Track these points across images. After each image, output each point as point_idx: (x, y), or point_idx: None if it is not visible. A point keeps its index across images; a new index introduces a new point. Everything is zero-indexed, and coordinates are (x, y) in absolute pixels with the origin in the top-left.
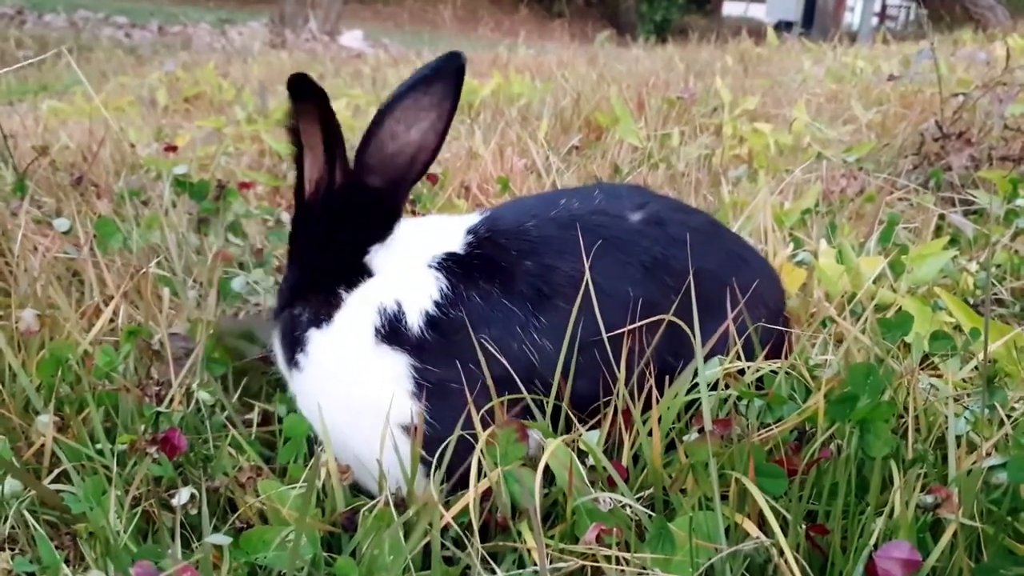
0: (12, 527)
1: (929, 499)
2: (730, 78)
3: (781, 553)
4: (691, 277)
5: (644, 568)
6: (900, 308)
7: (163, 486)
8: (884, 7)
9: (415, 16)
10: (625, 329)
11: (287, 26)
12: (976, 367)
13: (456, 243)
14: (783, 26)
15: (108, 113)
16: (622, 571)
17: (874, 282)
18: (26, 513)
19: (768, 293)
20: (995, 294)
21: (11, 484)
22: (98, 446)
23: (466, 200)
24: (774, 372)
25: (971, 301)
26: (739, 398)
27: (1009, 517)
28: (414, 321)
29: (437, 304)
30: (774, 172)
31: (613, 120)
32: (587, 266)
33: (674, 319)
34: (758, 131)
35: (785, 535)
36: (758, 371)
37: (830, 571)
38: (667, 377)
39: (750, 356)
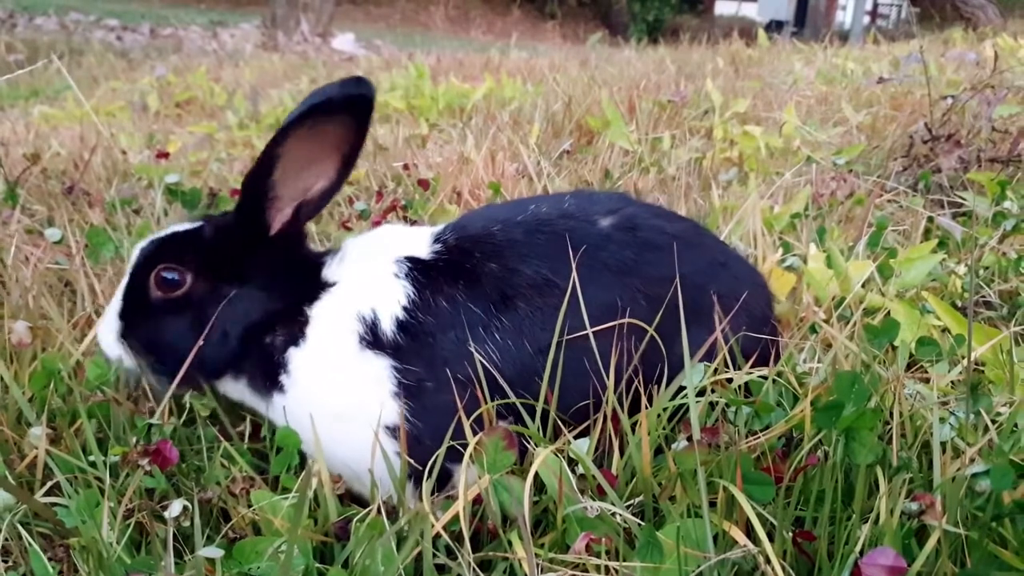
0: (5, 539)
1: (914, 506)
2: (721, 80)
3: (768, 560)
4: (662, 282)
5: None
6: (888, 313)
7: (156, 498)
8: (876, 6)
9: (407, 17)
10: (586, 332)
11: (279, 28)
12: (963, 371)
13: (421, 249)
14: (774, 25)
15: (99, 119)
16: None
17: (863, 286)
18: (19, 526)
19: (751, 300)
20: (983, 296)
21: (3, 497)
22: (91, 458)
23: (458, 205)
24: (762, 379)
25: (959, 304)
26: (727, 405)
27: (993, 523)
28: (388, 326)
29: (405, 309)
30: (764, 175)
31: (604, 124)
32: (550, 269)
33: (638, 323)
34: (748, 134)
35: (772, 542)
36: (744, 377)
37: None
38: (635, 382)
39: (730, 363)
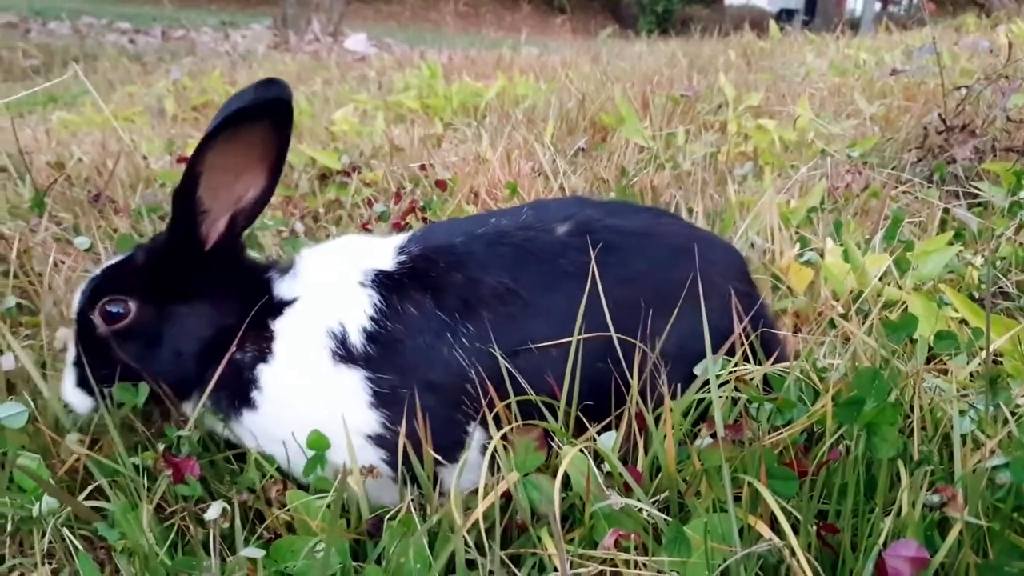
0: (49, 542)
1: (936, 498)
2: (733, 73)
3: (793, 553)
4: (624, 282)
5: (661, 571)
6: (906, 306)
7: (192, 501)
8: None
9: (416, 14)
10: (554, 336)
11: (290, 28)
12: (982, 363)
13: (384, 260)
14: (785, 15)
15: (118, 124)
16: (640, 574)
17: (880, 279)
18: (65, 531)
19: (721, 279)
20: (1000, 287)
21: (48, 502)
22: (135, 460)
23: (475, 205)
24: (782, 374)
25: (976, 295)
26: (748, 401)
27: (1014, 514)
28: (357, 339)
29: (373, 319)
30: (779, 169)
31: (618, 120)
32: (511, 278)
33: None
34: (763, 128)
35: (797, 535)
36: (745, 370)
37: (841, 569)
38: (601, 382)
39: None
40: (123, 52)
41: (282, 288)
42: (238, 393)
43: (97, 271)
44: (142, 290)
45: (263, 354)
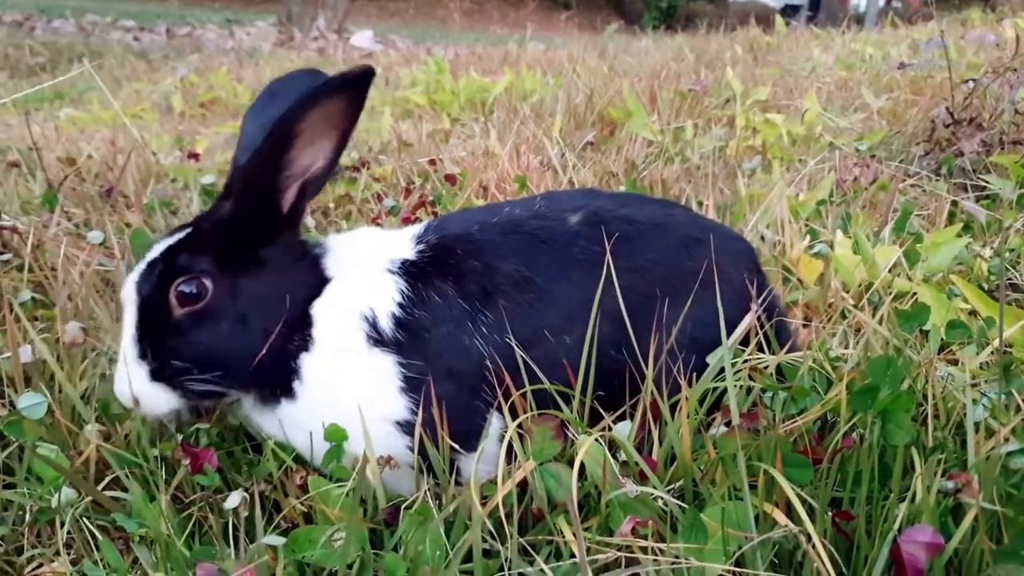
0: (68, 532)
1: (950, 484)
2: (740, 68)
3: (809, 539)
4: (635, 271)
5: (678, 557)
6: (916, 297)
7: (210, 490)
8: None
9: (421, 12)
10: (565, 325)
11: (295, 25)
12: (993, 352)
13: (406, 249)
14: (789, 10)
15: (126, 120)
16: (657, 561)
17: (890, 271)
18: (85, 521)
19: (733, 269)
20: (1010, 279)
21: (67, 493)
22: (154, 452)
23: (485, 199)
24: (795, 363)
25: (985, 287)
26: (762, 390)
27: None
28: (386, 324)
29: (401, 306)
30: (788, 163)
31: (626, 114)
32: (526, 266)
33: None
34: (771, 122)
35: (812, 522)
36: (759, 359)
37: (856, 555)
38: (613, 371)
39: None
40: (128, 50)
41: (326, 265)
42: (282, 382)
43: (154, 254)
44: (215, 265)
45: (305, 343)
